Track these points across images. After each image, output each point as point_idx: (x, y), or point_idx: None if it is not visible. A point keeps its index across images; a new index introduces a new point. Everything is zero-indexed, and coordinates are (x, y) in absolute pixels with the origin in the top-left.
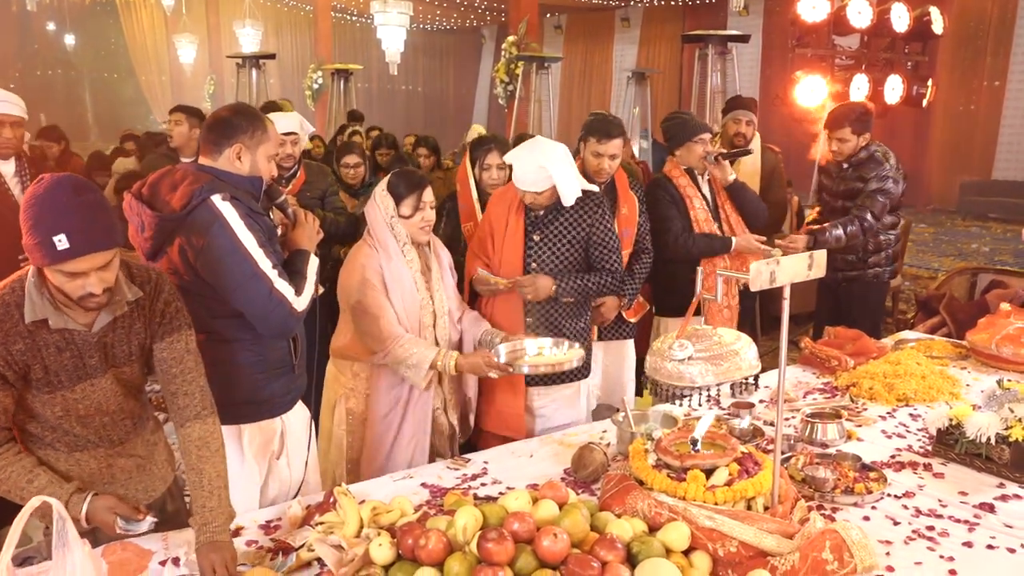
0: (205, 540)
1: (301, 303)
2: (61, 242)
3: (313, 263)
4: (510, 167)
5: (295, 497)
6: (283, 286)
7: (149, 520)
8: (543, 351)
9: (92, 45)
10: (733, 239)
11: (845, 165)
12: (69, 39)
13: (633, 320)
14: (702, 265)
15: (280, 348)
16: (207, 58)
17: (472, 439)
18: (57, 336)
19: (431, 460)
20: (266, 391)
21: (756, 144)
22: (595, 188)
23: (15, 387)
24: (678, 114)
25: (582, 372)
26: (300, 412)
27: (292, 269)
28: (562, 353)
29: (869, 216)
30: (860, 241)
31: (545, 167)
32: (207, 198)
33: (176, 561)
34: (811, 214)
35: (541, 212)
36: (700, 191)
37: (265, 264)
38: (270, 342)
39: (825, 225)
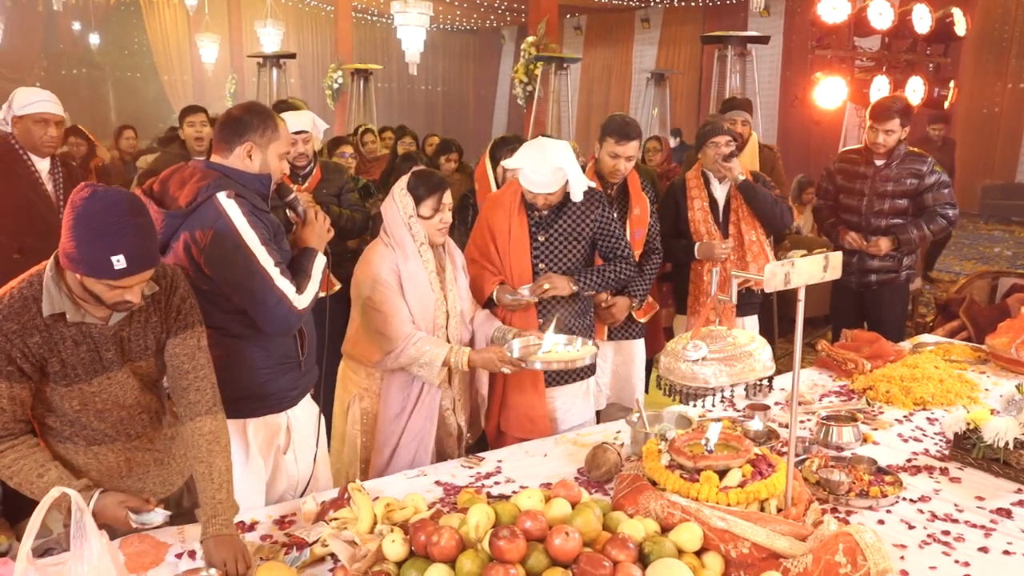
0: (215, 532)
1: (302, 301)
2: (119, 262)
3: (319, 262)
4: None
5: (303, 493)
6: (284, 283)
7: (163, 513)
8: (556, 347)
9: (116, 45)
10: (696, 245)
11: (879, 163)
12: (93, 39)
13: (643, 320)
14: (716, 266)
15: (286, 344)
16: (229, 58)
17: (493, 442)
18: (74, 330)
19: (440, 460)
20: (271, 386)
21: (753, 143)
22: (593, 184)
23: (32, 379)
24: (708, 117)
25: (591, 369)
26: (307, 408)
27: (297, 267)
28: (575, 350)
29: (949, 209)
30: (946, 233)
31: (562, 167)
32: (212, 195)
33: (192, 554)
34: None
35: (544, 212)
36: (710, 193)
37: (267, 261)
38: (275, 338)
39: (902, 224)
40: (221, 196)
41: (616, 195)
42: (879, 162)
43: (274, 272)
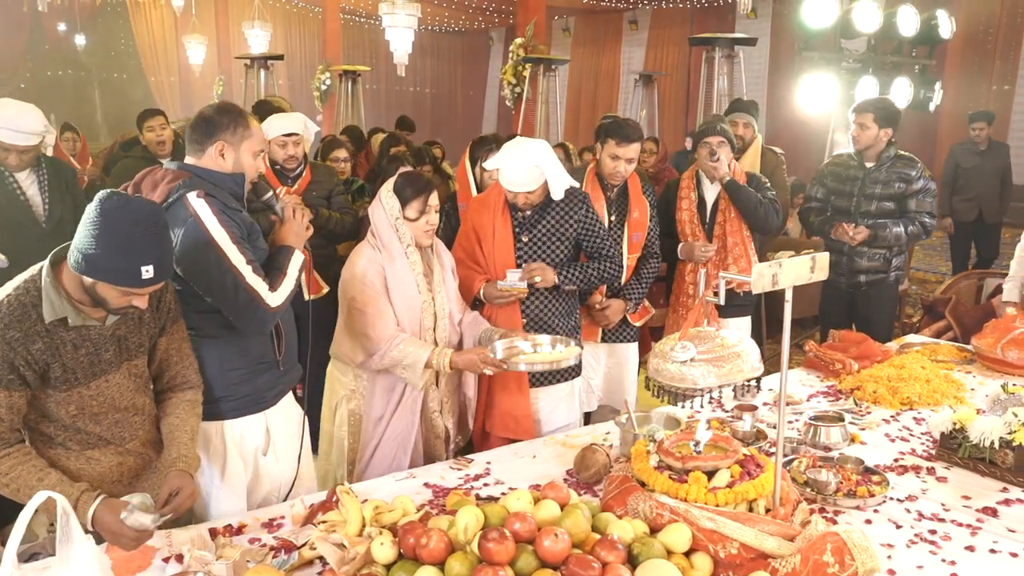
0: (181, 467)
1: (276, 299)
2: (147, 272)
3: (296, 260)
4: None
5: (288, 495)
6: (256, 281)
7: (155, 517)
8: (539, 348)
9: (102, 46)
10: (679, 245)
11: (870, 165)
12: (79, 39)
13: (638, 324)
14: (703, 267)
15: (262, 344)
16: (216, 59)
17: (478, 443)
18: (74, 333)
19: (427, 462)
20: (248, 387)
21: (756, 146)
22: (576, 184)
23: (31, 387)
24: (707, 118)
25: (576, 371)
26: (288, 408)
27: (272, 265)
28: (559, 351)
29: (928, 218)
30: (921, 240)
31: (539, 165)
32: (183, 195)
33: (179, 558)
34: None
35: (528, 213)
36: (700, 193)
37: (238, 260)
38: (251, 338)
39: (882, 222)
40: (191, 196)
41: (616, 197)
42: (869, 164)
43: (246, 270)
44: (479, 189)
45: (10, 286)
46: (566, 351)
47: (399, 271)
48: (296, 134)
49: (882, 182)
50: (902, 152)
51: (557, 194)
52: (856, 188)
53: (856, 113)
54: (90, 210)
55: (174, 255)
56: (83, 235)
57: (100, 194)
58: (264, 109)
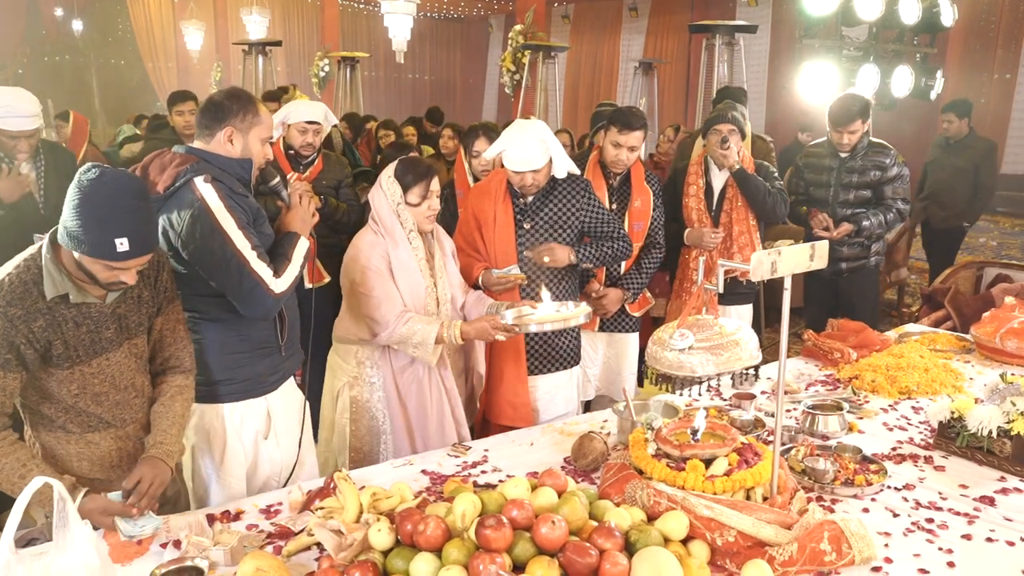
0: (153, 454)
1: (280, 285)
2: (122, 245)
3: (301, 246)
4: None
5: (288, 480)
6: (260, 267)
7: (155, 520)
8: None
9: (99, 31)
10: (686, 231)
11: (844, 155)
12: (77, 25)
13: (637, 314)
14: (703, 255)
15: (265, 328)
16: (214, 45)
17: (477, 430)
18: (75, 311)
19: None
20: (249, 371)
21: (747, 136)
22: (577, 170)
23: (29, 369)
24: (720, 105)
25: (574, 359)
26: (290, 393)
27: (277, 251)
28: (569, 311)
29: (902, 203)
30: (897, 226)
31: (544, 140)
32: (190, 179)
33: (177, 544)
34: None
35: (529, 199)
36: (708, 181)
37: (243, 245)
38: (254, 322)
39: (862, 212)
40: (198, 180)
41: (618, 185)
42: (843, 154)
43: (250, 256)
44: (472, 177)
45: (10, 265)
46: (575, 311)
47: (403, 257)
48: (318, 123)
49: (858, 171)
50: (874, 139)
51: (560, 172)
52: (832, 178)
53: (844, 124)
54: (71, 185)
55: (180, 238)
56: (65, 209)
57: (81, 168)
58: (278, 96)
